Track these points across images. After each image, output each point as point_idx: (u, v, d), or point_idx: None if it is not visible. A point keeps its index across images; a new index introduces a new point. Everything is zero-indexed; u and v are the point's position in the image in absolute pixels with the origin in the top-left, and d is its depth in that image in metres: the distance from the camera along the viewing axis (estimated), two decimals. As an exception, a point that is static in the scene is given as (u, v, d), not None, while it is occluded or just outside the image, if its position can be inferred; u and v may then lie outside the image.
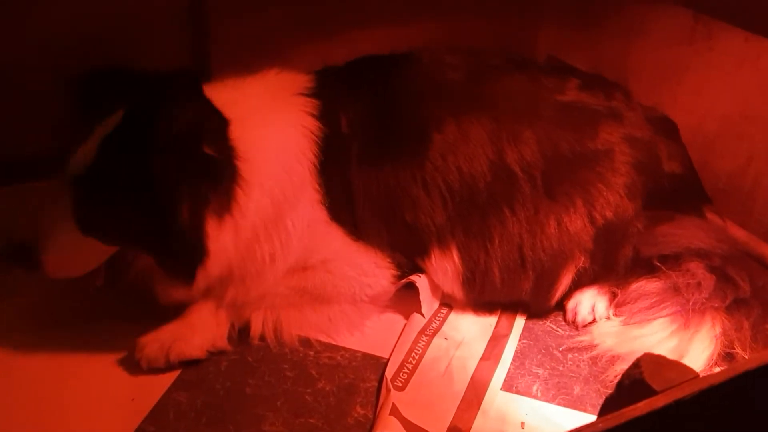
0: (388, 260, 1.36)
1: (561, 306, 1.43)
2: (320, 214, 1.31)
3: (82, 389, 1.18)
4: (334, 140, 1.32)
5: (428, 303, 1.39)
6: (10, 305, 1.34)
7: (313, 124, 1.31)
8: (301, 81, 1.37)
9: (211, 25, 1.60)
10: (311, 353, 1.29)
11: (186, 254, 1.17)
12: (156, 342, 1.21)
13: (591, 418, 1.09)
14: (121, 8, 1.49)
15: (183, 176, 1.13)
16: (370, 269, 1.34)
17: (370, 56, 1.47)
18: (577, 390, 1.25)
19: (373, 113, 1.37)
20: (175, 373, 1.22)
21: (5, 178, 1.46)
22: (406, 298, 1.39)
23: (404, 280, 1.38)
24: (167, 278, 1.22)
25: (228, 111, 1.22)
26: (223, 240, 1.19)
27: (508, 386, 1.26)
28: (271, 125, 1.29)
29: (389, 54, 1.47)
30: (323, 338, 1.33)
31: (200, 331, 1.25)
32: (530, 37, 1.88)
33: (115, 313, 1.32)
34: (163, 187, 1.11)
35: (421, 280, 1.38)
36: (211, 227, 1.17)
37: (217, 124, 1.20)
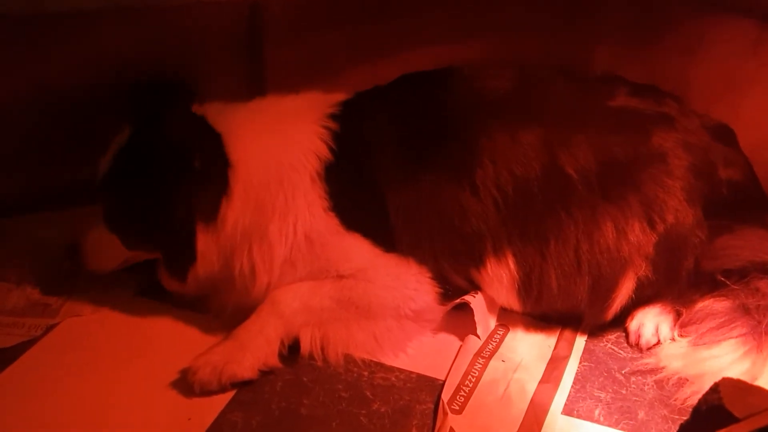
0: (429, 274, 1.34)
1: (622, 327, 1.39)
2: (328, 224, 1.31)
3: (138, 409, 1.19)
4: (355, 149, 1.33)
5: (484, 324, 1.36)
6: (66, 329, 1.36)
7: (325, 133, 1.33)
8: (334, 98, 1.40)
9: (266, 49, 1.62)
10: (365, 373, 1.28)
11: (179, 256, 1.30)
12: (208, 366, 1.22)
13: (659, 444, 1.04)
14: (178, 33, 1.52)
15: (177, 186, 1.26)
16: (411, 281, 1.33)
17: (410, 73, 1.47)
18: (641, 415, 1.21)
19: (409, 123, 1.37)
20: (231, 393, 1.22)
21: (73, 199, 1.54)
22: (460, 319, 1.36)
23: (458, 300, 1.36)
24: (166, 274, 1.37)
25: (242, 124, 1.33)
26: (209, 246, 1.29)
27: (569, 410, 1.22)
28: (276, 135, 1.34)
29: (430, 70, 1.46)
30: (368, 357, 1.31)
31: (251, 351, 1.24)
32: (586, 55, 1.85)
33: (169, 334, 1.35)
34: (160, 196, 1.27)
35: (475, 300, 1.36)
36: (201, 233, 1.28)
37: (210, 138, 1.30)
